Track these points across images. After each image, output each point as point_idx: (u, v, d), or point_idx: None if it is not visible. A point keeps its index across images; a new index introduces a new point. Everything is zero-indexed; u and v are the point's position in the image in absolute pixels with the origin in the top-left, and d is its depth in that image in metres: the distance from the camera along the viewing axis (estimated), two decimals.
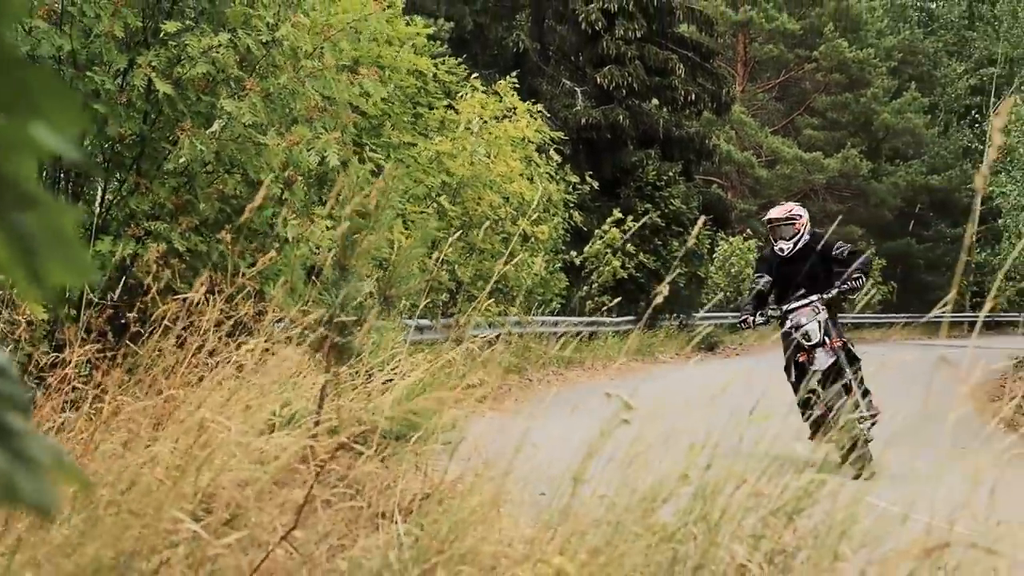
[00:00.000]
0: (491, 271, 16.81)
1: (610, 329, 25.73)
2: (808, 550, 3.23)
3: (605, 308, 23.96)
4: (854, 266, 9.77)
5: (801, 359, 9.63)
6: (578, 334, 20.91)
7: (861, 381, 9.24)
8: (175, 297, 5.08)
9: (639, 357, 23.99)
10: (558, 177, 23.61)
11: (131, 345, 5.27)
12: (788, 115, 53.96)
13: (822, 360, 9.57)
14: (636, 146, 30.54)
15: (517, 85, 22.45)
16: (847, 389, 9.11)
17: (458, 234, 8.41)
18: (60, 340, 6.05)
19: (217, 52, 6.96)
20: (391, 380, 5.64)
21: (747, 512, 3.35)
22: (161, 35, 7.05)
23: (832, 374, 9.34)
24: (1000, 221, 28.82)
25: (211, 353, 4.83)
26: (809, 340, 9.64)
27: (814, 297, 9.78)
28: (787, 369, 9.72)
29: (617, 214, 26.76)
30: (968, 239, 9.23)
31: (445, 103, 19.14)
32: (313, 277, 5.34)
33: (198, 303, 4.81)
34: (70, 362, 4.78)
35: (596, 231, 27.05)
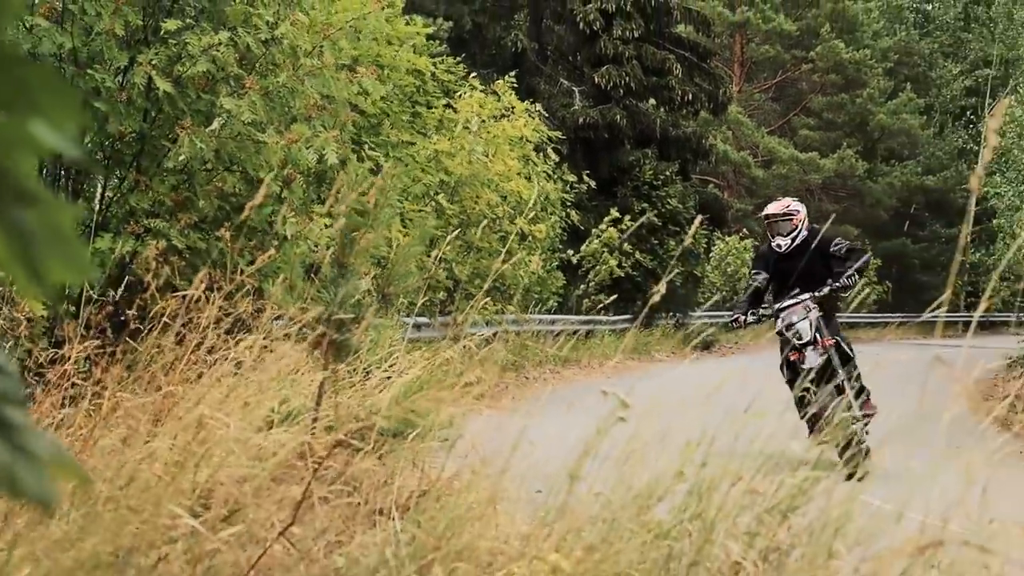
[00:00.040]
0: (489, 269, 16.80)
1: (607, 328, 25.72)
2: (803, 548, 3.24)
3: (601, 306, 23.95)
4: (848, 264, 9.63)
5: (793, 358, 9.51)
6: (575, 332, 20.97)
7: (858, 378, 9.13)
8: (174, 294, 5.08)
9: (635, 356, 24.00)
10: (555, 176, 23.62)
11: (130, 342, 5.27)
12: (784, 115, 53.96)
13: (811, 359, 9.42)
14: (633, 145, 30.52)
15: (515, 85, 22.45)
16: (840, 389, 9.01)
17: (456, 232, 8.40)
18: (59, 336, 6.05)
19: (217, 50, 6.96)
20: (389, 377, 5.65)
21: (742, 510, 3.35)
22: (161, 33, 7.05)
23: (825, 373, 9.19)
24: (995, 222, 28.84)
25: (210, 350, 4.82)
26: (800, 339, 9.51)
27: (806, 296, 9.62)
28: (782, 368, 9.65)
29: (614, 213, 26.76)
30: (963, 239, 9.17)
31: (444, 102, 19.14)
32: (312, 275, 5.33)
33: (197, 300, 4.81)
34: (69, 358, 4.78)
35: (593, 230, 27.03)
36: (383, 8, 9.72)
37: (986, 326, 38.99)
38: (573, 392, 7.72)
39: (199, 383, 4.32)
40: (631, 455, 3.43)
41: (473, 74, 21.59)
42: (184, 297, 4.85)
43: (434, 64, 17.60)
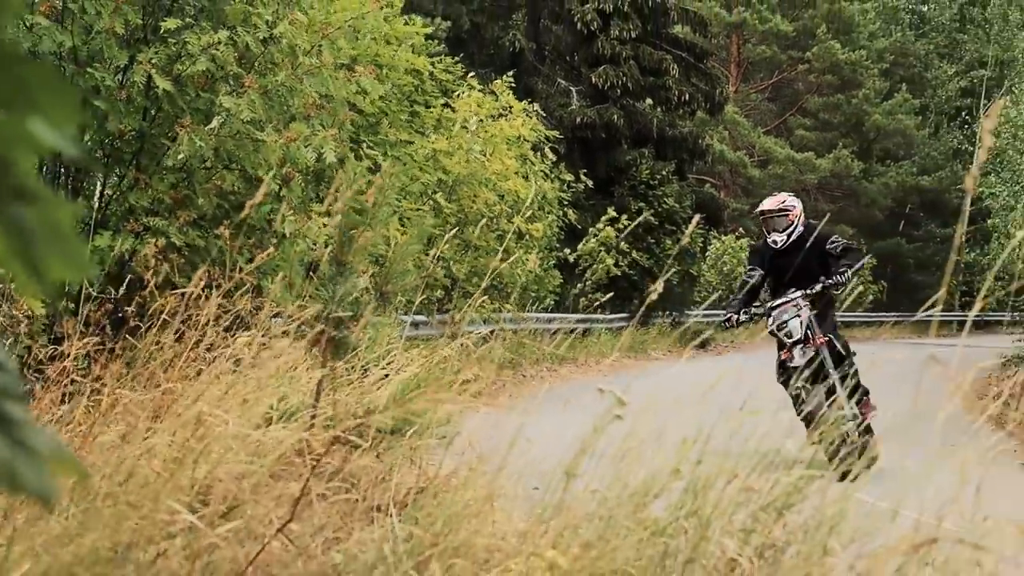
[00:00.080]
0: (486, 268, 16.81)
1: (603, 326, 25.73)
2: (798, 545, 3.24)
3: (598, 304, 23.96)
4: (843, 262, 9.49)
5: (784, 357, 9.41)
6: (572, 331, 20.94)
7: (854, 375, 9.01)
8: (174, 291, 5.08)
9: (632, 354, 24.01)
10: (553, 175, 23.63)
11: (130, 339, 5.27)
12: (781, 115, 53.98)
13: (799, 357, 9.31)
14: (630, 145, 30.53)
15: (513, 84, 22.46)
16: (832, 389, 8.90)
17: (454, 231, 8.41)
18: (59, 333, 6.05)
19: (217, 49, 6.96)
20: (387, 375, 5.65)
21: (738, 507, 3.35)
22: (161, 32, 7.05)
23: (817, 372, 9.07)
24: (989, 221, 28.82)
25: (209, 348, 4.83)
26: (791, 337, 9.39)
27: (797, 294, 9.49)
28: (777, 370, 9.55)
29: (611, 212, 26.76)
30: (958, 239, 9.13)
31: (442, 102, 19.14)
32: (310, 273, 5.33)
33: (197, 298, 4.81)
34: (69, 355, 4.78)
35: (590, 229, 27.04)
36: (382, 8, 9.71)
37: (981, 325, 39.02)
38: (570, 390, 7.73)
39: (198, 380, 4.32)
40: (627, 453, 3.43)
41: (471, 74, 21.60)
42: (183, 294, 4.85)
43: (432, 64, 17.60)
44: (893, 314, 40.73)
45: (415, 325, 14.95)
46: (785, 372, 9.30)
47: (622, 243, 26.48)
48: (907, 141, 53.35)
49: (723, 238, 36.91)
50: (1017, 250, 17.37)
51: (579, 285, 26.52)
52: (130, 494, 3.23)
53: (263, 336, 4.67)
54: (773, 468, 3.50)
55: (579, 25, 30.14)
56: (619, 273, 26.91)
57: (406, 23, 15.75)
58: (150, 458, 3.43)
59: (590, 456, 3.32)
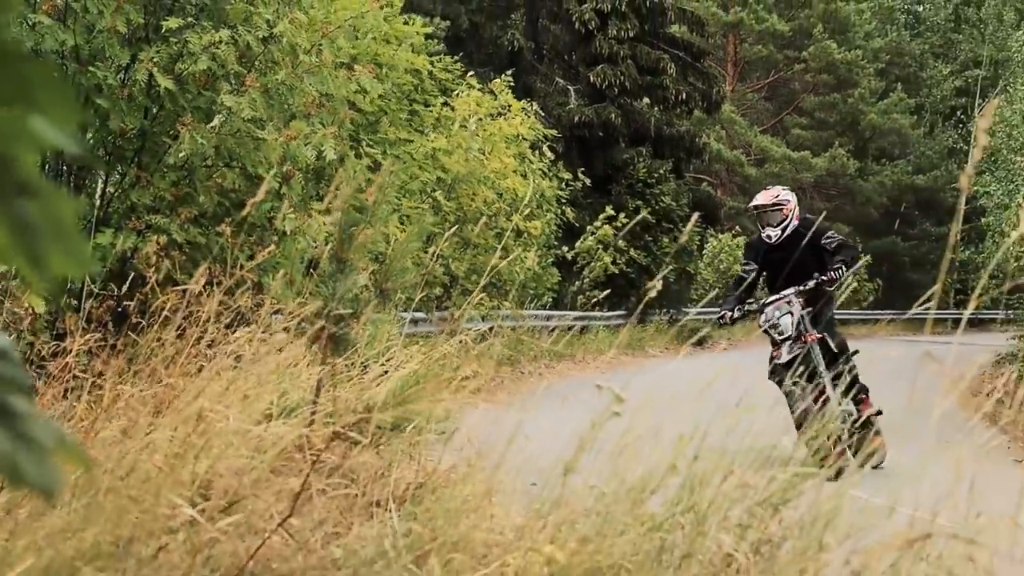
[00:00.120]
0: (485, 265, 16.81)
1: (601, 323, 25.75)
2: (794, 540, 3.24)
3: (595, 302, 23.96)
4: (837, 258, 9.36)
5: (774, 354, 9.29)
6: (570, 328, 20.94)
7: (852, 372, 8.82)
8: (175, 288, 5.08)
9: (629, 351, 24.00)
10: (551, 174, 23.63)
11: (131, 335, 5.27)
12: (777, 115, 53.97)
13: (784, 354, 9.17)
14: (628, 144, 30.55)
15: (512, 83, 22.45)
16: (822, 390, 8.76)
17: (453, 229, 8.42)
18: (61, 330, 6.05)
19: (218, 48, 6.95)
20: (386, 371, 5.65)
21: (734, 503, 3.35)
22: (163, 31, 7.05)
23: (814, 370, 8.95)
24: (984, 220, 28.80)
25: (210, 344, 4.83)
26: (781, 334, 9.24)
27: (791, 291, 9.33)
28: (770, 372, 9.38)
29: (609, 211, 26.76)
30: (952, 238, 9.05)
31: (441, 101, 19.12)
32: (311, 270, 5.33)
33: (198, 294, 4.81)
34: (71, 351, 4.78)
35: (588, 227, 27.05)
36: (382, 8, 9.71)
37: (975, 323, 39.03)
38: (568, 387, 7.73)
39: (199, 376, 4.32)
40: (625, 449, 3.43)
41: (470, 73, 21.58)
42: (185, 291, 4.85)
43: (432, 63, 17.58)
44: (889, 312, 40.73)
45: (414, 322, 14.95)
46: (776, 370, 9.14)
47: (620, 241, 26.48)
48: (902, 140, 53.36)
49: (720, 236, 36.90)
50: (1011, 249, 17.39)
51: (577, 283, 26.54)
52: (131, 489, 3.23)
53: (263, 332, 4.68)
54: (769, 465, 3.50)
55: (577, 24, 30.15)
56: (617, 271, 26.93)
57: (406, 23, 15.73)
58: (151, 453, 3.43)
59: (588, 452, 3.32)
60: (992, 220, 26.45)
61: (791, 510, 3.34)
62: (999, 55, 51.70)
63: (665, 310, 28.41)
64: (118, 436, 3.80)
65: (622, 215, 26.32)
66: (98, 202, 7.11)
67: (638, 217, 22.87)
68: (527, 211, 20.76)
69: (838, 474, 3.49)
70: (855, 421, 8.22)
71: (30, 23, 6.49)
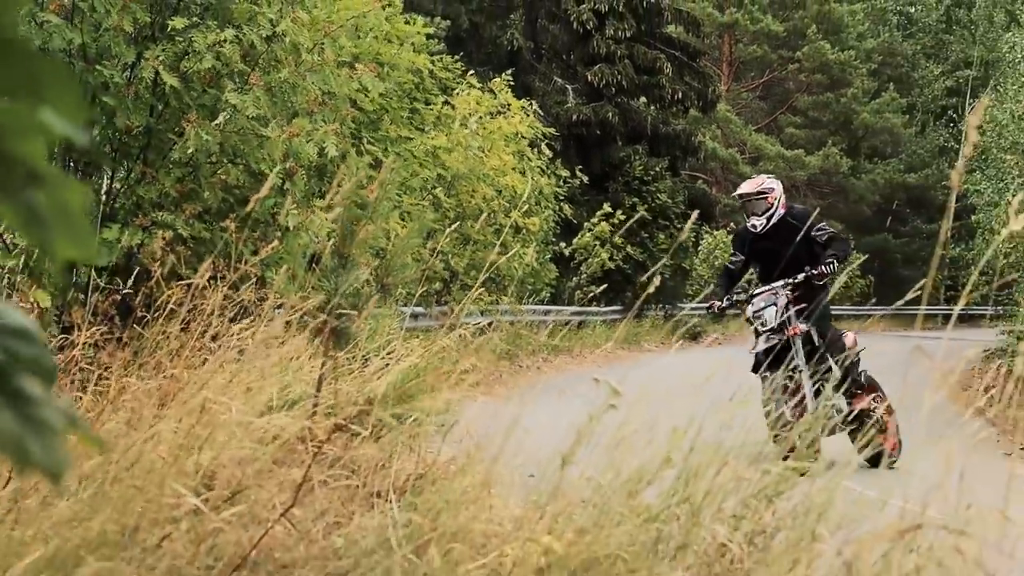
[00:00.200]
0: (484, 261, 16.81)
1: (598, 318, 25.78)
2: (787, 531, 3.24)
3: (592, 297, 23.97)
4: (829, 252, 9.17)
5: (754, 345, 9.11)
6: (567, 323, 20.96)
7: (847, 367, 8.61)
8: (180, 283, 5.08)
9: (625, 345, 24.02)
10: (549, 171, 23.65)
11: (136, 328, 5.27)
12: (771, 114, 54.01)
13: (761, 344, 9.04)
14: (624, 142, 30.59)
15: (511, 82, 22.46)
16: (797, 386, 8.61)
17: (453, 226, 8.41)
18: (68, 323, 6.05)
19: (222, 47, 6.95)
20: (387, 365, 5.65)
21: (728, 494, 3.35)
22: (168, 30, 7.04)
23: (787, 361, 8.73)
24: (974, 217, 28.84)
25: (214, 337, 4.83)
26: (764, 325, 9.05)
27: (779, 283, 9.14)
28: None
29: (606, 208, 26.81)
30: (943, 235, 8.97)
31: (442, 99, 19.12)
32: (313, 265, 5.33)
33: (202, 289, 4.81)
34: (77, 344, 4.78)
35: (585, 223, 27.08)
36: (383, 7, 9.71)
37: (965, 319, 39.03)
38: (565, 380, 7.75)
39: (203, 369, 4.32)
40: (621, 441, 3.43)
41: (470, 72, 21.59)
42: (189, 286, 4.85)
43: (432, 62, 17.57)
44: (880, 308, 40.76)
45: (415, 317, 14.95)
46: (757, 362, 9.02)
47: (616, 238, 26.49)
48: (894, 139, 53.43)
49: (715, 233, 36.94)
50: (1001, 246, 17.40)
51: (574, 278, 26.59)
52: (137, 479, 3.23)
53: (265, 326, 4.68)
54: (763, 458, 3.51)
55: (575, 24, 30.19)
56: (613, 267, 26.97)
57: (407, 22, 15.73)
58: (156, 444, 3.43)
59: (585, 444, 3.32)
60: (982, 217, 26.47)
61: (784, 502, 3.34)
62: (989, 56, 51.72)
63: (661, 306, 28.42)
64: (123, 427, 3.80)
65: (619, 212, 26.36)
66: (104, 198, 7.11)
67: (636, 216, 22.90)
68: (526, 208, 20.78)
69: (803, 472, 3.48)
70: (847, 416, 8.00)
71: (38, 21, 6.49)
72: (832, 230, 9.57)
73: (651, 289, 3.85)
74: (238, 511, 3.23)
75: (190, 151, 6.85)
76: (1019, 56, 24.73)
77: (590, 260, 26.98)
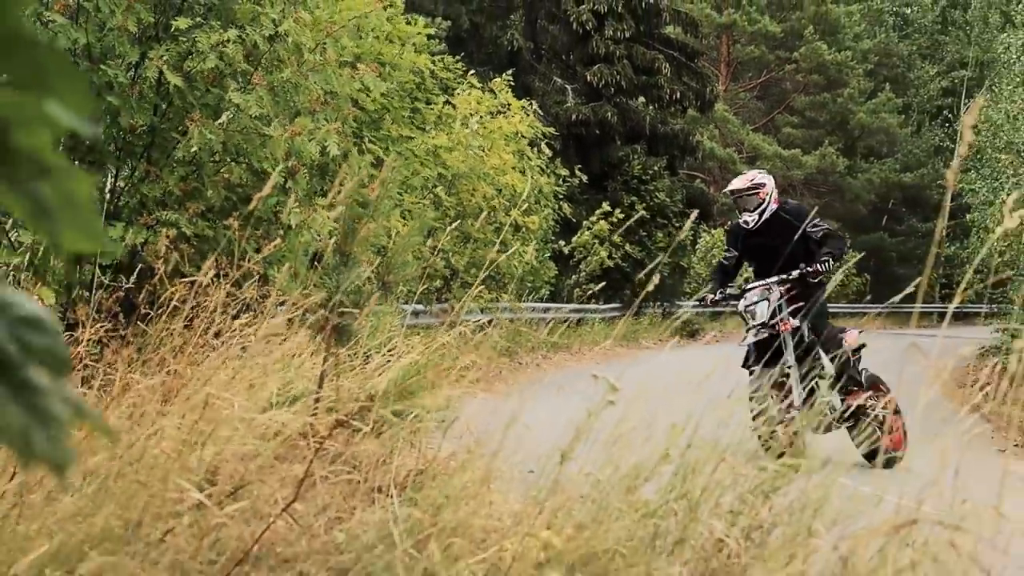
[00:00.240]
0: (484, 259, 16.82)
1: (597, 316, 25.78)
2: (783, 526, 3.24)
3: (591, 295, 23.99)
4: (824, 249, 9.01)
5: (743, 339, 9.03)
6: (566, 320, 20.95)
7: (844, 363, 8.53)
8: (183, 280, 5.08)
9: (624, 343, 24.02)
10: (549, 170, 23.65)
11: (140, 325, 5.27)
12: (769, 114, 54.03)
13: (749, 337, 8.96)
14: (623, 141, 30.58)
15: (511, 83, 22.46)
16: (783, 383, 8.53)
17: (454, 224, 8.40)
18: (72, 320, 6.04)
19: (225, 47, 6.95)
20: (388, 361, 5.65)
21: (725, 490, 3.36)
22: (172, 30, 7.04)
23: (802, 358, 8.55)
24: (969, 216, 28.85)
25: (217, 334, 4.83)
26: (754, 319, 8.94)
27: (773, 279, 9.01)
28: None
29: (605, 207, 26.84)
30: (938, 234, 8.91)
31: (443, 99, 19.12)
32: (315, 263, 5.34)
33: (205, 286, 4.81)
34: (82, 341, 4.78)
35: (584, 222, 27.08)
36: (385, 8, 9.71)
37: (960, 317, 39.04)
38: (564, 377, 7.74)
39: (206, 365, 4.33)
40: (620, 438, 3.43)
41: (471, 72, 21.59)
42: (193, 283, 4.85)
43: (433, 62, 17.57)
44: (876, 306, 40.76)
45: (415, 314, 14.94)
46: (747, 357, 9.00)
47: (615, 236, 26.50)
48: (890, 139, 53.47)
49: (713, 232, 36.98)
50: (995, 244, 17.40)
51: (573, 276, 26.60)
52: (140, 474, 3.23)
53: (267, 321, 4.68)
54: (760, 454, 3.51)
55: (575, 25, 30.19)
56: (612, 265, 26.97)
57: (408, 23, 15.72)
58: (160, 440, 3.43)
59: (583, 440, 3.32)
60: (977, 216, 26.49)
61: (781, 497, 3.35)
62: (984, 56, 51.73)
63: (659, 304, 28.43)
64: (127, 423, 3.80)
65: (617, 211, 26.39)
66: (108, 196, 7.11)
67: (635, 216, 22.92)
68: (525, 207, 20.79)
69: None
70: (843, 414, 7.90)
71: (43, 21, 6.49)
72: (827, 226, 9.39)
73: (650, 287, 3.85)
74: (240, 506, 3.23)
75: (193, 150, 6.84)
76: (1014, 56, 24.73)
77: (589, 258, 27.00)
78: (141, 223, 6.84)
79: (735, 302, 9.37)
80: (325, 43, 7.60)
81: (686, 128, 33.72)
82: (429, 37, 17.00)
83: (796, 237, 8.75)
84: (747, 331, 9.13)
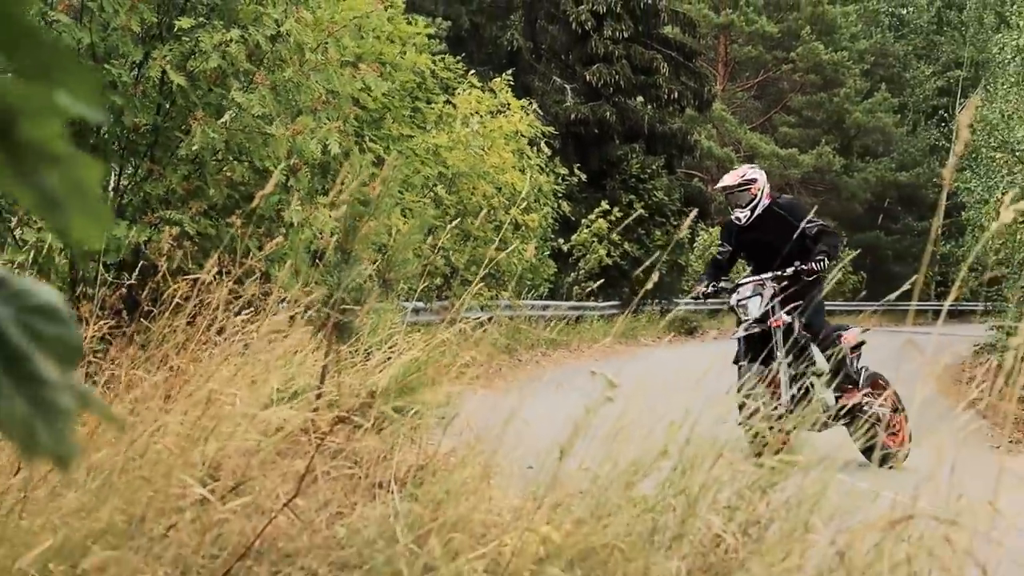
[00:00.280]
0: (484, 257, 16.81)
1: (595, 313, 25.78)
2: (781, 522, 3.24)
3: (590, 292, 23.99)
4: (819, 247, 8.90)
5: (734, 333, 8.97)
6: (565, 318, 20.96)
7: (843, 360, 8.46)
8: (186, 278, 5.08)
9: (622, 340, 24.01)
10: (548, 169, 23.65)
11: (144, 322, 5.27)
12: (766, 113, 54.01)
13: (740, 332, 8.88)
14: (622, 140, 30.57)
15: (511, 82, 22.46)
16: (773, 378, 8.46)
17: (454, 222, 8.39)
18: (76, 317, 6.04)
19: (228, 47, 6.95)
20: (389, 358, 5.64)
21: (723, 485, 3.35)
22: (175, 30, 7.04)
23: (798, 356, 8.39)
24: (964, 215, 28.88)
25: (220, 331, 4.83)
26: (746, 315, 8.85)
27: (767, 275, 8.92)
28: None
29: (604, 205, 26.86)
30: (934, 232, 8.89)
31: (443, 99, 19.11)
32: (317, 260, 5.33)
33: (208, 283, 4.81)
34: (85, 338, 4.77)
35: (583, 220, 27.09)
36: (385, 8, 9.70)
37: (955, 314, 39.02)
38: (563, 374, 7.74)
39: (209, 362, 4.32)
40: (618, 433, 3.43)
41: (471, 72, 21.58)
42: (195, 280, 4.85)
43: (434, 62, 17.57)
44: (872, 303, 40.74)
45: (416, 311, 14.93)
46: (737, 353, 8.90)
47: (614, 234, 26.50)
48: (886, 138, 53.46)
49: (710, 230, 36.94)
50: (990, 243, 17.41)
51: (573, 274, 26.61)
52: (143, 469, 3.23)
53: (269, 319, 4.68)
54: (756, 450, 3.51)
55: (574, 25, 30.19)
56: (611, 263, 26.97)
57: (408, 23, 15.72)
58: (163, 435, 3.43)
59: (582, 436, 3.32)
60: (972, 215, 26.52)
61: (778, 493, 3.34)
62: (980, 56, 51.71)
63: (657, 301, 28.43)
64: (131, 419, 3.80)
65: (616, 209, 26.41)
66: (112, 195, 7.10)
67: (634, 215, 22.93)
68: (525, 205, 20.79)
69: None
70: (838, 412, 7.80)
71: (48, 21, 6.49)
72: (822, 223, 9.25)
73: (648, 285, 3.85)
74: (243, 501, 3.23)
75: (196, 148, 6.84)
76: (1008, 57, 24.74)
77: (588, 256, 27.01)
78: (144, 221, 6.84)
79: (727, 296, 9.31)
80: (327, 43, 7.60)
81: (684, 127, 33.71)
82: (429, 37, 17.00)
83: (787, 229, 8.71)
84: (738, 325, 9.07)
